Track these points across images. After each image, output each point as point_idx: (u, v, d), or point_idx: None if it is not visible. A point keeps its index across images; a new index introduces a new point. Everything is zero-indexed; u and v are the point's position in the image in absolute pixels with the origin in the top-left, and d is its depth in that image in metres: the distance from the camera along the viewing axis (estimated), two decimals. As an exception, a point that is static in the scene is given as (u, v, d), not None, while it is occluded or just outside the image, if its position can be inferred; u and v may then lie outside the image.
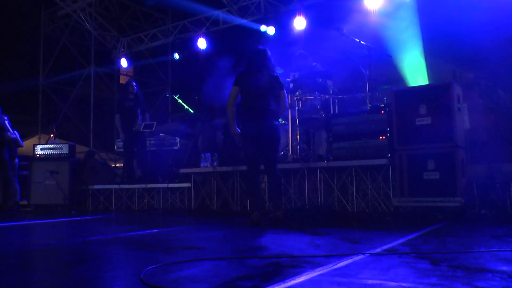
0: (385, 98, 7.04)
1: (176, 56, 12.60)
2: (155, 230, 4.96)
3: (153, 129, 8.67)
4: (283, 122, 7.80)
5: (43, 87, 14.08)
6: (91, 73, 13.42)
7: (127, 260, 3.30)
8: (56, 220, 6.70)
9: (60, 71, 13.99)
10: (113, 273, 2.82)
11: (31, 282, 2.58)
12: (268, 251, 3.27)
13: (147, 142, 8.95)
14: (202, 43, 11.41)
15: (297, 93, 7.18)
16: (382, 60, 7.38)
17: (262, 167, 5.40)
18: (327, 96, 7.16)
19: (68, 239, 4.59)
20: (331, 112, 7.04)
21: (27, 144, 9.65)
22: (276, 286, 2.15)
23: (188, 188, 7.94)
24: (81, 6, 12.56)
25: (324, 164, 6.48)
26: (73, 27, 13.84)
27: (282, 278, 2.31)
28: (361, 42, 7.01)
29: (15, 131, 8.58)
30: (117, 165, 11.36)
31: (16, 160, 8.61)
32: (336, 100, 7.19)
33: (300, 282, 2.25)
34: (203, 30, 11.66)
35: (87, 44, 13.90)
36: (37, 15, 14.01)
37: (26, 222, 6.43)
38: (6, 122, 8.33)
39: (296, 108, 7.17)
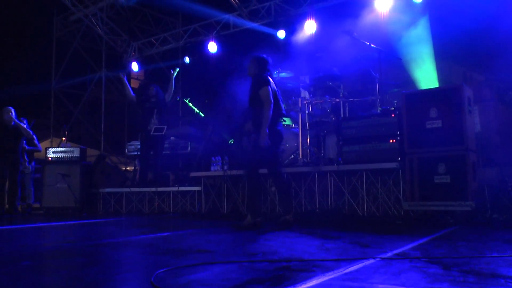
0: (395, 101, 7.02)
1: (187, 60, 12.65)
2: (166, 234, 4.97)
3: (163, 133, 8.71)
4: (293, 125, 7.81)
5: (55, 91, 14.21)
6: (102, 77, 13.54)
7: (137, 263, 3.31)
8: (67, 223, 6.75)
9: (71, 75, 14.12)
10: (124, 276, 2.84)
11: (43, 284, 2.61)
12: (278, 255, 3.27)
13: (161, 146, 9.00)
14: (212, 47, 11.44)
15: (306, 96, 7.19)
16: (392, 63, 7.36)
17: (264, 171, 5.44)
18: (337, 100, 7.15)
19: (79, 241, 4.62)
20: (341, 115, 7.02)
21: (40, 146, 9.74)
22: (286, 291, 2.15)
23: (199, 191, 7.96)
24: (93, 11, 12.67)
25: (335, 167, 6.46)
26: (84, 32, 13.97)
27: (293, 282, 2.30)
28: (371, 45, 6.99)
29: (34, 136, 8.67)
30: (128, 168, 11.44)
31: (33, 163, 8.71)
32: (346, 104, 7.17)
33: (311, 286, 2.24)
34: (213, 34, 11.69)
35: (98, 48, 14.01)
36: (49, 20, 14.17)
37: (38, 225, 6.49)
38: (25, 125, 8.42)
39: (306, 111, 7.17)
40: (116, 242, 4.46)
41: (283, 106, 5.38)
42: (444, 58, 7.69)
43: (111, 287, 2.45)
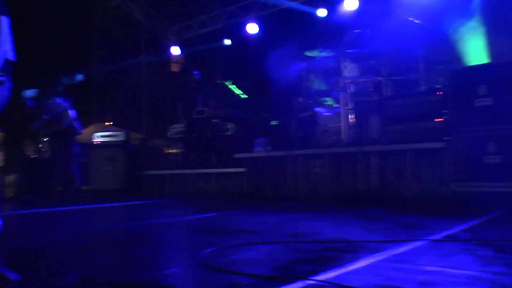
0: (440, 78, 6.77)
1: (227, 41, 12.63)
2: (209, 214, 5.03)
3: (204, 115, 8.78)
4: (335, 105, 7.70)
5: (97, 77, 14.52)
6: (143, 62, 13.71)
7: (183, 242, 3.37)
8: (113, 204, 6.93)
9: (112, 61, 14.36)
10: (170, 255, 2.89)
11: (93, 262, 2.69)
12: (323, 235, 3.24)
13: (203, 128, 9.10)
14: (252, 28, 11.35)
15: (348, 75, 7.07)
16: (438, 38, 7.10)
17: None
18: (380, 78, 6.98)
19: (125, 222, 4.74)
20: (384, 94, 6.86)
21: (84, 132, 9.99)
22: (334, 271, 2.12)
23: (241, 173, 7.97)
24: (131, -4, 12.80)
25: (378, 147, 6.34)
26: (123, 18, 14.12)
27: (339, 263, 2.28)
28: (415, 20, 6.77)
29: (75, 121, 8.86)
30: (171, 151, 11.61)
31: (76, 148, 8.90)
32: (389, 82, 6.99)
33: (358, 268, 2.21)
34: (252, 14, 11.58)
35: (137, 34, 14.17)
36: (89, 8, 14.40)
37: (86, 206, 6.69)
38: (68, 111, 8.58)
39: (348, 91, 7.06)
40: (162, 222, 4.54)
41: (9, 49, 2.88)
42: (495, 32, 7.32)
43: (158, 266, 2.49)
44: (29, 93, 9.94)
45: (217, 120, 9.23)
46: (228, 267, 2.20)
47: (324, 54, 7.86)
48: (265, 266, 2.26)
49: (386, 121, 6.35)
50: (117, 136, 9.24)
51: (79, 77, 14.19)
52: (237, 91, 9.92)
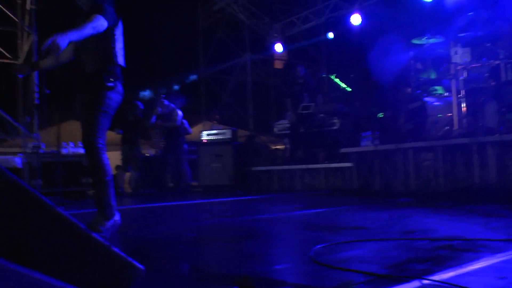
0: None
1: (330, 35, 12.51)
2: (319, 210, 5.03)
3: (311, 111, 8.79)
4: (446, 94, 7.30)
5: (204, 78, 15.15)
6: (247, 61, 14.05)
7: (293, 238, 3.41)
8: (223, 199, 7.21)
9: (218, 61, 14.88)
10: (281, 250, 2.95)
11: (206, 254, 2.85)
12: (437, 233, 3.10)
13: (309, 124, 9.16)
14: (355, 19, 11.10)
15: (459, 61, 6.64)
16: None
17: None
18: (497, 62, 6.47)
19: (236, 216, 4.91)
20: (503, 79, 6.34)
21: (193, 130, 10.48)
22: (451, 271, 2.02)
23: (349, 167, 7.85)
24: (234, -1, 13.18)
25: (496, 138, 5.88)
26: (227, 20, 14.58)
27: (457, 263, 2.16)
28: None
29: (184, 120, 9.35)
30: (277, 147, 11.80)
31: (185, 146, 9.38)
32: (509, 66, 6.44)
33: (479, 268, 2.08)
34: (356, 5, 11.33)
35: (241, 34, 14.53)
36: (194, 12, 15.08)
37: (198, 201, 7.05)
38: (175, 111, 9.07)
39: (461, 78, 6.64)
40: (271, 217, 4.65)
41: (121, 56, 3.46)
42: None
43: (270, 260, 2.56)
44: (143, 94, 10.69)
45: (323, 115, 9.18)
46: (340, 264, 2.19)
47: (432, 40, 7.46)
48: (378, 264, 2.22)
49: (505, 108, 5.87)
50: (224, 133, 9.58)
51: (191, 77, 14.96)
52: (342, 85, 9.78)
